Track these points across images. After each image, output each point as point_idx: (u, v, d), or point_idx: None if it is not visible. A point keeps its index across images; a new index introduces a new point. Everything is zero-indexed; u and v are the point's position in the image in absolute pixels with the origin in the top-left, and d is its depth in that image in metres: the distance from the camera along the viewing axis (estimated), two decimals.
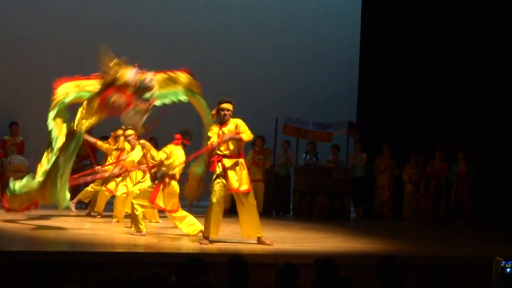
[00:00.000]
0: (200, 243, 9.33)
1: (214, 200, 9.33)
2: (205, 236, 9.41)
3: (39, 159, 14.89)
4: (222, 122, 9.49)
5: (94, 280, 7.03)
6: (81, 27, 16.35)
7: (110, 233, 10.73)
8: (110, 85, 10.06)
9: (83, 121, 10.28)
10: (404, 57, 16.56)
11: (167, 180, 10.12)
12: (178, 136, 10.33)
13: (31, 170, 14.19)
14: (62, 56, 16.13)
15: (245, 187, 9.44)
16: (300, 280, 5.85)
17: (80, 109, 10.37)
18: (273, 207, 15.88)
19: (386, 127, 16.53)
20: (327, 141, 16.10)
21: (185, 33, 16.72)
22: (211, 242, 9.43)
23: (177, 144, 10.29)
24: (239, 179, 9.40)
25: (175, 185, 10.21)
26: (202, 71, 15.34)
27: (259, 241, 9.52)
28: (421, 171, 15.66)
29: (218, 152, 9.43)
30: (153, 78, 10.20)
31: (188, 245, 9.58)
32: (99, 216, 12.72)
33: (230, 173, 9.36)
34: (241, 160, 9.51)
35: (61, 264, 6.14)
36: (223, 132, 9.41)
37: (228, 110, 9.45)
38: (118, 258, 7.99)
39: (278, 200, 15.89)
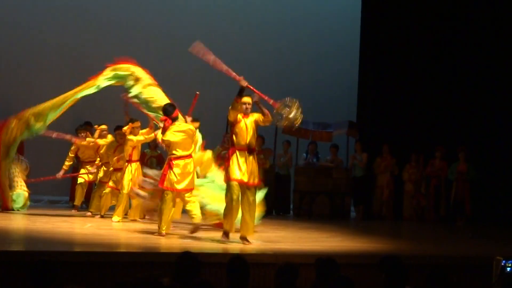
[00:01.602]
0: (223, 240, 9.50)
1: (234, 196, 9.45)
2: (227, 232, 9.56)
3: (39, 159, 14.98)
4: (244, 114, 9.68)
5: (95, 280, 7.05)
6: (82, 25, 16.32)
7: (111, 232, 10.73)
8: None
9: None
10: (404, 57, 16.55)
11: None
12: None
13: (32, 170, 14.27)
14: (64, 56, 16.13)
15: (256, 179, 9.60)
16: (300, 279, 5.84)
17: None
18: (273, 207, 15.87)
19: (386, 126, 16.51)
20: (327, 141, 16.09)
21: (184, 36, 16.70)
22: (213, 241, 9.49)
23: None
24: (252, 172, 9.53)
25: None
26: (203, 72, 15.37)
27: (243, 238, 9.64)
28: (422, 171, 15.66)
29: (235, 144, 9.60)
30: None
31: (188, 245, 9.57)
32: (98, 216, 12.78)
33: (243, 165, 9.48)
34: (253, 154, 9.68)
35: (61, 264, 6.13)
36: (245, 123, 9.60)
37: (249, 103, 9.68)
38: (119, 258, 7.98)
39: (278, 200, 15.87)
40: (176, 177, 10.02)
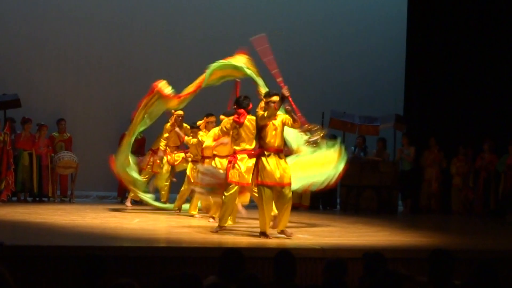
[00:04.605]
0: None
1: (267, 199, 9.35)
2: (264, 232, 9.50)
3: (86, 155, 15.16)
4: None
5: (143, 274, 7.12)
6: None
7: (159, 227, 10.81)
8: None
9: None
10: (451, 49, 16.42)
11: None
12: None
13: (80, 166, 14.47)
14: (107, 54, 16.27)
15: (288, 179, 9.45)
16: (347, 274, 5.84)
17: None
18: (320, 201, 15.86)
19: (434, 119, 16.41)
20: (374, 135, 16.03)
21: (232, 26, 16.73)
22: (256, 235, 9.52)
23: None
24: (284, 173, 9.41)
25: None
26: None
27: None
28: (470, 164, 15.52)
29: (264, 146, 9.44)
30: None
31: (237, 240, 9.58)
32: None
33: (275, 168, 9.34)
34: (282, 155, 9.54)
35: (111, 258, 6.21)
36: (273, 125, 9.41)
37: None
38: (167, 253, 8.03)
39: (325, 194, 15.80)
40: (241, 171, 9.94)
